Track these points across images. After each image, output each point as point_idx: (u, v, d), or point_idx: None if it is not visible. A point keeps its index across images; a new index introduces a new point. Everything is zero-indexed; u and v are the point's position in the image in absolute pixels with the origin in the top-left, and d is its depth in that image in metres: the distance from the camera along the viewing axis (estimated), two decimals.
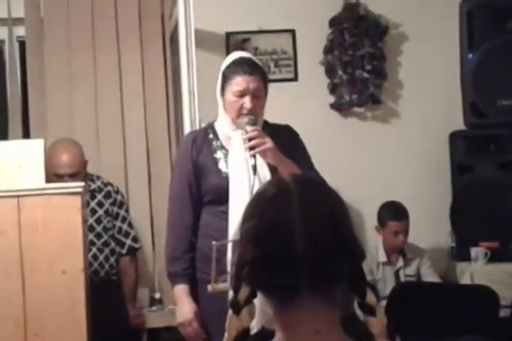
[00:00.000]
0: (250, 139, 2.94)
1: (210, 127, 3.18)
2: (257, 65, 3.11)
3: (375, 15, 4.74)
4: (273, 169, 2.98)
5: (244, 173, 2.97)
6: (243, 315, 1.27)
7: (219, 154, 3.09)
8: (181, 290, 3.07)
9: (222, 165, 3.07)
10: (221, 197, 3.00)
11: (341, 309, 1.28)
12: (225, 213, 2.99)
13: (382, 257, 4.33)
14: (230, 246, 2.86)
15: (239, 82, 3.01)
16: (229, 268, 2.84)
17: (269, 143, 2.94)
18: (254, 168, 2.94)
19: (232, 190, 2.99)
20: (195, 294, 3.07)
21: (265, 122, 3.15)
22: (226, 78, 3.05)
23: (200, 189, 3.08)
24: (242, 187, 2.96)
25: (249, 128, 2.97)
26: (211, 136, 3.14)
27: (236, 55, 3.16)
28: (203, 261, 3.03)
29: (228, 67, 3.07)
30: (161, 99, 4.77)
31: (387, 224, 4.33)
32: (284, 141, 3.05)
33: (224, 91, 3.06)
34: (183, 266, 3.06)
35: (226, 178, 3.02)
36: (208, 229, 3.06)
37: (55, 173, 3.92)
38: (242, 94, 3.01)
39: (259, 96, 3.04)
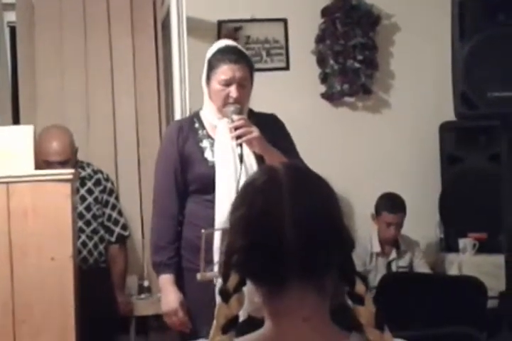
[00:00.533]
0: (236, 128, 2.92)
1: (196, 116, 3.16)
2: (243, 53, 3.08)
3: (367, 5, 4.74)
4: (259, 158, 2.97)
5: (230, 162, 2.96)
6: (232, 302, 1.26)
7: (205, 143, 3.07)
8: (166, 279, 3.05)
9: (208, 154, 3.05)
10: (207, 186, 2.99)
11: (331, 298, 1.28)
12: (211, 202, 2.97)
13: (376, 247, 4.34)
14: (217, 234, 2.85)
15: (225, 71, 2.99)
16: (215, 257, 2.84)
17: (255, 132, 2.93)
18: (241, 157, 2.92)
19: (218, 179, 2.97)
20: (180, 283, 3.05)
21: (250, 111, 3.13)
22: (212, 66, 3.02)
23: (186, 178, 3.06)
24: (228, 176, 2.95)
25: (235, 117, 2.95)
26: (197, 125, 3.11)
27: (222, 43, 3.13)
28: (188, 250, 3.03)
29: (214, 55, 3.04)
30: (152, 87, 4.76)
31: (381, 215, 4.34)
32: (270, 130, 3.02)
33: (209, 79, 3.03)
34: (168, 256, 3.04)
35: (212, 167, 3.00)
36: (194, 217, 3.04)
37: (44, 160, 3.91)
38: (228, 83, 2.98)
39: (245, 85, 3.02)
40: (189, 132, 3.09)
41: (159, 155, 3.18)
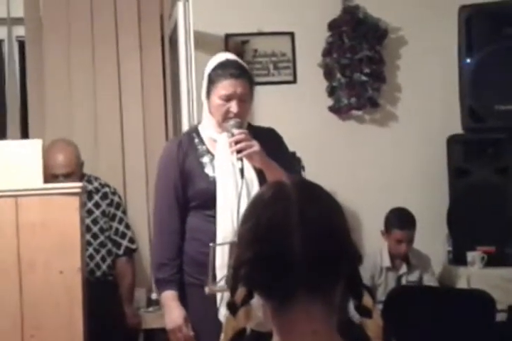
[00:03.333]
0: (237, 142, 2.90)
1: (195, 131, 3.13)
2: (243, 68, 3.05)
3: (374, 18, 4.75)
4: (259, 172, 2.95)
5: (230, 177, 2.93)
6: (240, 315, 1.27)
7: (205, 159, 3.04)
8: (169, 296, 3.02)
9: (208, 170, 3.02)
10: (208, 201, 2.96)
11: (338, 311, 1.29)
12: (213, 217, 2.95)
13: (386, 262, 4.31)
14: (219, 249, 2.83)
15: (225, 86, 2.96)
16: (218, 271, 2.82)
17: (256, 146, 2.90)
18: (242, 171, 2.90)
19: (219, 194, 2.94)
20: (183, 299, 3.02)
21: (249, 125, 3.11)
22: (212, 81, 2.99)
23: (187, 194, 3.03)
24: (228, 190, 2.92)
25: (235, 131, 2.92)
26: (196, 140, 3.08)
27: (222, 56, 3.09)
28: (190, 266, 3.01)
29: (214, 69, 3.00)
30: (159, 101, 4.77)
31: (391, 232, 4.32)
32: (268, 144, 2.98)
33: (209, 94, 3.00)
34: (171, 272, 3.02)
35: (213, 182, 2.97)
36: (196, 233, 3.01)
37: (50, 173, 3.94)
38: (228, 98, 2.95)
39: (245, 99, 2.99)
40: (189, 148, 3.06)
41: (159, 172, 3.13)
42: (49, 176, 3.87)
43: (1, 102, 4.81)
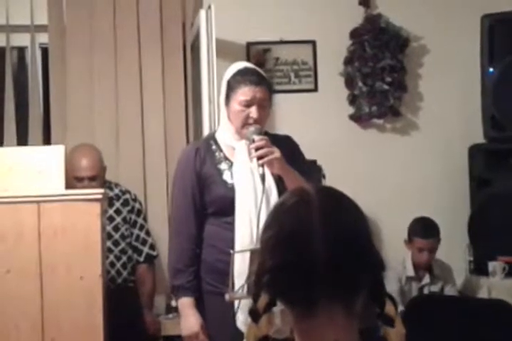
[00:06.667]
0: (258, 148, 2.90)
1: (212, 138, 3.14)
2: (262, 75, 3.07)
3: (396, 27, 4.75)
4: (278, 179, 2.95)
5: (249, 184, 2.94)
6: (262, 323, 1.27)
7: (223, 165, 3.05)
8: (186, 302, 3.01)
9: (227, 177, 3.02)
10: (226, 208, 2.96)
11: (360, 319, 1.28)
12: (231, 224, 2.94)
13: (410, 271, 4.29)
14: (237, 256, 2.82)
15: (245, 92, 2.98)
16: (236, 279, 2.81)
17: (276, 152, 2.90)
18: (263, 177, 2.89)
19: (238, 201, 2.94)
20: (200, 306, 3.02)
21: (266, 132, 3.10)
22: (231, 87, 3.01)
23: (204, 200, 3.03)
24: (248, 197, 2.93)
25: (256, 137, 2.93)
26: (214, 147, 3.09)
27: (240, 64, 3.12)
28: (208, 273, 3.00)
29: (233, 76, 3.03)
30: (180, 108, 4.78)
31: (413, 240, 4.30)
32: (285, 152, 2.98)
33: (229, 100, 3.02)
34: (187, 279, 3.01)
35: (231, 189, 2.97)
36: (213, 240, 3.01)
37: (74, 176, 3.97)
38: (248, 104, 2.97)
39: (264, 106, 3.01)
40: (206, 154, 3.07)
41: (176, 178, 3.14)
42: (73, 179, 3.91)
43: (23, 109, 4.85)
